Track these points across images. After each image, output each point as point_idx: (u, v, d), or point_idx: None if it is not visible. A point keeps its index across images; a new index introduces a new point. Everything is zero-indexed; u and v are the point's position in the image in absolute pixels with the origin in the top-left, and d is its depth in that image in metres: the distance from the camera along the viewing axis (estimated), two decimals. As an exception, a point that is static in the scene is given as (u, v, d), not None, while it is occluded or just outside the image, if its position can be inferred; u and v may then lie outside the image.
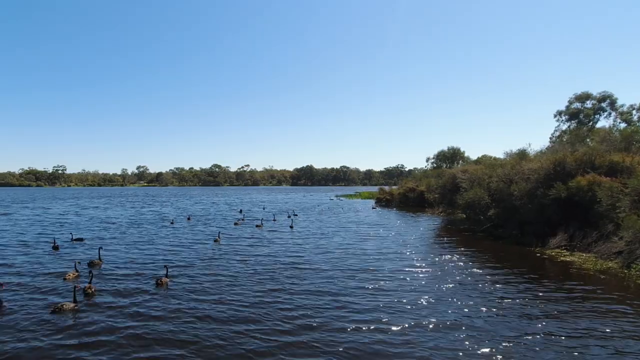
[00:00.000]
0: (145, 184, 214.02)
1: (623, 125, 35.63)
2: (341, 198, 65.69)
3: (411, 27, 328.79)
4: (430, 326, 7.37)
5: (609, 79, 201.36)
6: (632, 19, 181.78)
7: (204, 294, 9.48)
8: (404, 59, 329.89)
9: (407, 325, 7.39)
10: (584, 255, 13.51)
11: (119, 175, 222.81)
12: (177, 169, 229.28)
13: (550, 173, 16.88)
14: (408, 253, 14.89)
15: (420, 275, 11.33)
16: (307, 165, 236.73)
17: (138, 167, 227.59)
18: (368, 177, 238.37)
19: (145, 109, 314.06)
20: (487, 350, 6.35)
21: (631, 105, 37.71)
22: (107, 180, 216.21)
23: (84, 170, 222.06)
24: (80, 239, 18.29)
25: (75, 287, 9.03)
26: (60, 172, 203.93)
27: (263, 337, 6.92)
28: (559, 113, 42.04)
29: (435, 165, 57.55)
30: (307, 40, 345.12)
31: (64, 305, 8.31)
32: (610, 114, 39.14)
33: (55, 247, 15.85)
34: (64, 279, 10.93)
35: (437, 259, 13.79)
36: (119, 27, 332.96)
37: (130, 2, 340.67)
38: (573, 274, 11.39)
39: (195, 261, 13.45)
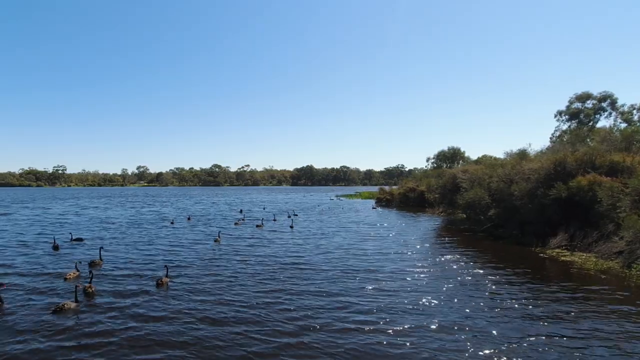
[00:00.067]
0: (146, 184, 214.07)
1: (623, 125, 35.62)
2: (341, 198, 65.67)
3: (411, 27, 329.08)
4: (433, 327, 7.34)
5: (609, 79, 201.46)
6: (632, 19, 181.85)
7: (204, 295, 9.46)
8: (404, 59, 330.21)
9: (409, 327, 7.36)
10: (585, 255, 13.49)
11: (119, 176, 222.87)
12: (177, 169, 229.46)
13: (551, 173, 16.86)
14: (409, 253, 14.87)
15: (421, 276, 11.30)
16: (307, 165, 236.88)
17: (138, 167, 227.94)
18: (368, 177, 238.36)
19: (145, 109, 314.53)
20: (490, 351, 6.32)
21: (632, 105, 37.72)
22: (107, 180, 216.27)
23: (84, 170, 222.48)
24: (80, 239, 18.28)
25: (77, 286, 9.05)
26: (60, 172, 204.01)
27: (264, 338, 6.90)
28: (560, 113, 42.01)
29: (435, 165, 57.55)
30: (307, 40, 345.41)
31: (66, 305, 8.31)
32: (610, 113, 39.11)
33: (56, 247, 15.85)
34: (65, 278, 10.93)
35: (437, 259, 13.77)
36: (119, 27, 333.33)
37: (130, 2, 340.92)
38: (574, 274, 11.37)
39: (196, 261, 13.43)
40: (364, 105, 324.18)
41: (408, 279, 10.96)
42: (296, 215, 32.13)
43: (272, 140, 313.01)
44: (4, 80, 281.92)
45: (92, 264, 12.51)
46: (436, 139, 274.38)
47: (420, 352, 6.34)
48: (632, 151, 18.03)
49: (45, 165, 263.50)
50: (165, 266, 11.38)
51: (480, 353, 6.28)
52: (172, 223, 25.94)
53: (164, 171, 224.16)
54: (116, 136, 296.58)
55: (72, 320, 7.73)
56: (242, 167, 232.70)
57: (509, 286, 10.14)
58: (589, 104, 40.10)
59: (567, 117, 41.38)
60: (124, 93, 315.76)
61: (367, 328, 7.30)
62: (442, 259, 13.79)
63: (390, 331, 7.17)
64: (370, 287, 10.02)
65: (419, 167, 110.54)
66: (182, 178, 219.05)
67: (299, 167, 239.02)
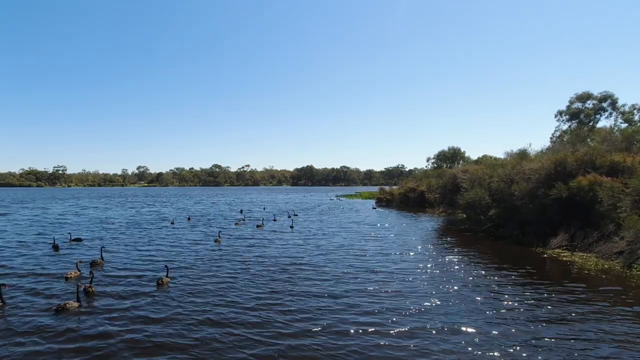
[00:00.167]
0: (146, 184, 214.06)
1: (624, 125, 35.60)
2: (341, 198, 65.64)
3: (411, 27, 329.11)
4: (435, 329, 7.31)
5: (609, 79, 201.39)
6: (632, 19, 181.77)
7: (205, 296, 9.44)
8: (404, 59, 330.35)
9: (412, 328, 7.33)
10: (585, 255, 13.49)
11: (119, 176, 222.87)
12: (177, 169, 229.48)
13: (551, 173, 16.85)
14: (409, 253, 14.86)
15: (423, 276, 11.29)
16: (308, 166, 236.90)
17: (138, 167, 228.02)
18: (368, 177, 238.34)
19: (145, 109, 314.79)
20: (496, 353, 6.28)
21: (633, 105, 37.71)
22: (107, 180, 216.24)
23: (84, 170, 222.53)
24: (79, 239, 18.26)
25: (78, 285, 9.06)
26: (60, 172, 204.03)
27: (264, 340, 6.87)
28: (560, 113, 42.00)
29: (435, 165, 57.55)
30: (307, 40, 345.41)
31: (68, 304, 8.30)
32: (611, 114, 39.11)
33: (55, 247, 15.85)
34: (66, 278, 10.94)
35: (438, 259, 13.75)
36: (119, 27, 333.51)
37: (130, 2, 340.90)
38: (574, 274, 11.36)
39: (196, 261, 13.41)
40: (364, 105, 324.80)
41: (409, 279, 10.94)
42: (296, 215, 32.11)
43: (272, 140, 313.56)
44: (4, 80, 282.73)
45: (93, 264, 12.51)
46: (436, 139, 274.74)
47: (424, 354, 6.30)
48: (632, 151, 18.02)
49: (46, 165, 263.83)
50: (166, 266, 11.37)
51: (484, 355, 6.25)
52: (172, 223, 25.92)
53: (164, 171, 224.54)
54: (116, 136, 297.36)
55: (73, 322, 7.71)
56: (242, 167, 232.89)
57: (510, 287, 10.11)
58: (590, 104, 40.10)
59: (567, 117, 41.38)
60: (124, 93, 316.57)
61: (369, 330, 7.27)
62: (443, 259, 13.77)
63: (393, 332, 7.14)
64: (371, 288, 10.00)
65: (419, 167, 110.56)
66: (182, 178, 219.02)
67: (299, 167, 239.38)
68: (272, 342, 6.76)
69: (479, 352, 6.32)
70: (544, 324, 7.47)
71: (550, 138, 41.49)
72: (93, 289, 9.57)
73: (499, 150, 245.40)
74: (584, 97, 40.27)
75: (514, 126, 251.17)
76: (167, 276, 10.68)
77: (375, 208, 41.19)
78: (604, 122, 39.06)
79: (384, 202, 47.59)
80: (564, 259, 13.42)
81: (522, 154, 22.74)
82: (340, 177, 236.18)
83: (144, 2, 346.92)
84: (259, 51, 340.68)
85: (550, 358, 6.13)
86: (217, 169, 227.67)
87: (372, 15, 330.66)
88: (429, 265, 12.70)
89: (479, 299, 9.11)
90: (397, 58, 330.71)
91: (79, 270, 11.46)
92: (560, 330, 7.16)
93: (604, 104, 39.20)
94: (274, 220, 27.97)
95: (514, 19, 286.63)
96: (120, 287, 10.19)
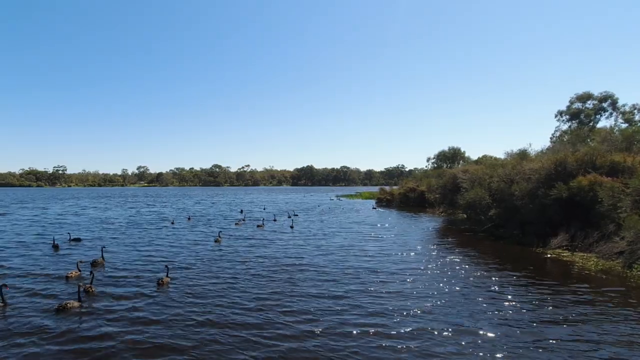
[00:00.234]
0: (146, 184, 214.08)
1: (624, 125, 35.59)
2: (341, 198, 65.64)
3: (411, 27, 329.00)
4: (437, 330, 7.29)
5: (609, 79, 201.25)
6: (632, 19, 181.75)
7: (205, 296, 9.42)
8: (404, 59, 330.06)
9: (413, 329, 7.31)
10: (586, 255, 13.48)
11: (120, 176, 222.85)
12: (177, 169, 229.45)
13: (552, 173, 16.84)
14: (410, 254, 14.84)
15: (423, 277, 11.27)
16: (308, 166, 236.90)
17: (138, 168, 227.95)
18: (368, 177, 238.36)
19: (145, 109, 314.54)
20: (500, 355, 6.26)
21: (633, 105, 37.70)
22: (107, 180, 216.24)
23: (84, 170, 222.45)
24: (78, 239, 18.25)
25: (79, 285, 9.06)
26: (60, 172, 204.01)
27: (265, 341, 6.85)
28: (560, 113, 42.01)
29: (435, 165, 57.56)
30: (307, 40, 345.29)
31: (69, 304, 8.29)
32: (611, 114, 39.11)
33: (55, 247, 15.84)
34: (66, 277, 10.95)
35: (439, 260, 13.74)
36: (119, 27, 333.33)
37: (130, 2, 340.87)
38: (575, 275, 11.34)
39: (196, 262, 13.39)
40: (364, 105, 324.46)
41: (410, 280, 10.93)
42: (296, 215, 32.11)
43: (272, 140, 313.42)
44: (4, 80, 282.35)
45: (94, 264, 12.51)
46: (436, 139, 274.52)
47: (426, 356, 6.28)
48: (632, 151, 18.01)
49: (46, 165, 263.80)
50: (166, 266, 11.36)
51: (487, 357, 6.24)
52: (172, 223, 25.92)
53: (164, 171, 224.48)
54: (116, 136, 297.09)
55: (73, 323, 7.69)
56: (242, 167, 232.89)
57: (511, 287, 10.10)
58: (590, 104, 40.10)
59: (567, 117, 41.39)
60: (124, 93, 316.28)
61: (370, 331, 7.24)
62: (443, 259, 13.76)
63: (395, 333, 7.12)
64: (372, 289, 9.98)
65: (419, 167, 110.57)
66: (182, 178, 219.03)
67: (299, 167, 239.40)
68: (273, 344, 6.74)
69: (482, 354, 6.30)
70: (546, 325, 7.45)
71: (551, 138, 41.55)
72: (93, 289, 9.56)
73: (499, 150, 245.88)
74: (584, 97, 40.28)
75: (514, 126, 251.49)
76: (167, 276, 10.67)
77: (375, 208, 41.19)
78: (604, 122, 39.13)
79: (384, 202, 47.61)
80: (565, 259, 13.41)
81: (522, 154, 22.75)
82: (340, 177, 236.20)
83: (144, 2, 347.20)
84: (259, 51, 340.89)
85: (553, 359, 6.12)
86: (217, 169, 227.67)
87: (372, 15, 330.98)
88: (429, 266, 12.69)
89: (480, 299, 9.09)
90: (397, 58, 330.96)
91: (79, 270, 11.45)
92: (562, 331, 7.14)
93: (604, 104, 39.21)
94: (274, 220, 27.95)
95: (514, 19, 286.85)
96: (120, 288, 10.17)
